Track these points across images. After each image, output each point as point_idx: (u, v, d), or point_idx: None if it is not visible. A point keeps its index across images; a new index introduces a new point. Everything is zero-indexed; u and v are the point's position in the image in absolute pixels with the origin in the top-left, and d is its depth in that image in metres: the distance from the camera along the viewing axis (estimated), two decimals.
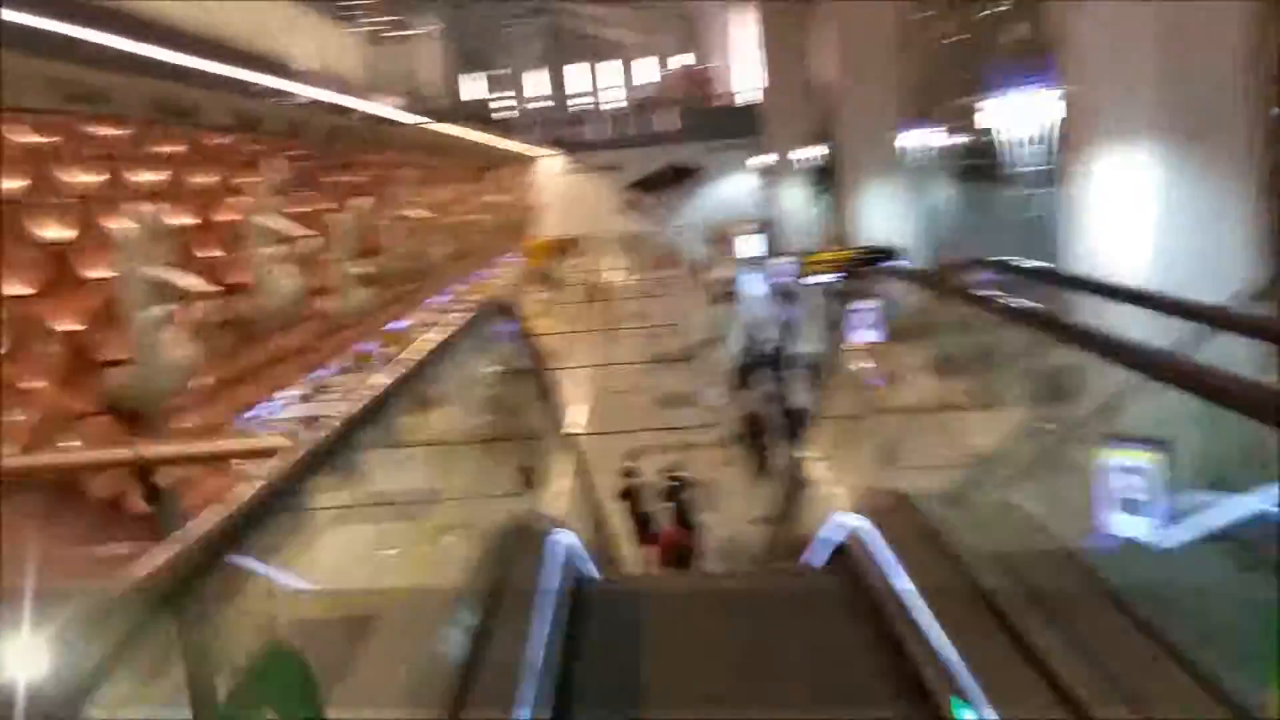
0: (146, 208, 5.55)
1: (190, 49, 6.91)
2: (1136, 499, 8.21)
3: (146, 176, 6.39)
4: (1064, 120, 12.14)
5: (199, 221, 7.05)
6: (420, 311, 17.48)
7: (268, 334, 7.95)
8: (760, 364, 20.56)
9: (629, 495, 13.12)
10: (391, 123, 13.66)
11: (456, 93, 19.77)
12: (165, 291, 5.47)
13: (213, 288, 6.34)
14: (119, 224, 5.61)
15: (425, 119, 15.20)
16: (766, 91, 36.41)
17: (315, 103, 9.94)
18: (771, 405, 16.77)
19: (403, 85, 15.09)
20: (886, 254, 21.48)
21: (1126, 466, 8.24)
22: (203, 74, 7.18)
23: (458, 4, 34.06)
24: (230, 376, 7.10)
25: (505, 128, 30.72)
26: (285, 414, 10.12)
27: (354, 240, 9.35)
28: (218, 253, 7.25)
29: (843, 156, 25.92)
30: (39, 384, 4.67)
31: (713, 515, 13.22)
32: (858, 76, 23.09)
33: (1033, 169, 13.89)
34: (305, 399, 11.71)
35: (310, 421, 10.28)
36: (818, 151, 30.33)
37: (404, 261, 11.80)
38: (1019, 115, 12.85)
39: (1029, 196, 14.29)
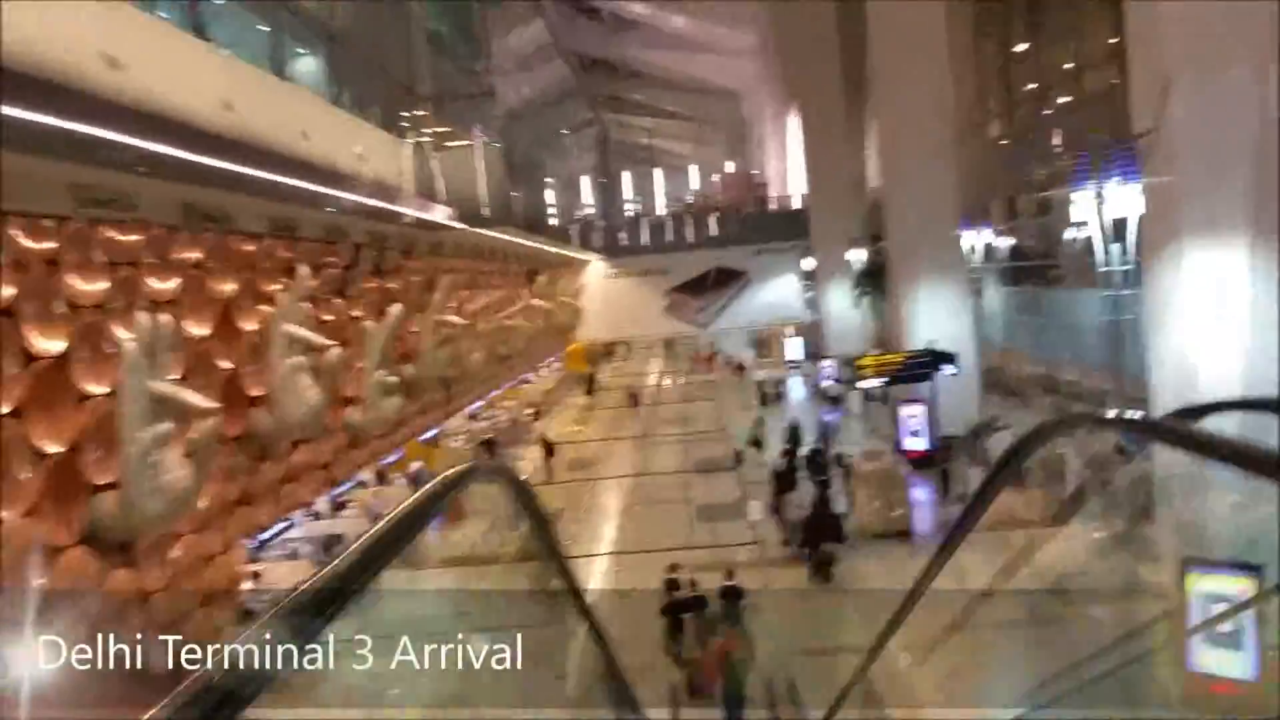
0: (156, 317, 5.15)
1: (224, 153, 6.70)
2: (1227, 631, 6.99)
3: (164, 284, 6.08)
4: (1146, 215, 11.43)
5: (219, 330, 6.70)
6: (455, 419, 17.05)
7: (286, 448, 7.48)
8: (803, 468, 19.64)
9: (673, 611, 12.07)
10: (437, 227, 13.57)
11: (508, 199, 19.99)
12: (169, 408, 4.98)
13: (225, 402, 5.88)
14: (123, 335, 5.23)
15: (472, 225, 15.17)
16: (812, 195, 36.57)
17: (357, 208, 9.77)
18: (815, 510, 15.79)
19: (453, 191, 15.14)
20: (938, 358, 20.60)
21: (1214, 594, 7.07)
22: (236, 177, 6.96)
23: (512, 115, 35.20)
24: (239, 497, 6.59)
25: (555, 233, 31.14)
26: (298, 533, 9.56)
27: (386, 348, 8.97)
28: (237, 363, 6.87)
29: (893, 257, 25.45)
30: (10, 514, 4.17)
31: (760, 642, 12.07)
32: (909, 176, 22.76)
33: (1109, 269, 13.03)
34: (321, 517, 11.19)
35: (327, 542, 9.77)
36: (864, 253, 30.03)
37: (440, 369, 11.40)
38: (1092, 211, 12.14)
39: (1111, 299, 13.31)
